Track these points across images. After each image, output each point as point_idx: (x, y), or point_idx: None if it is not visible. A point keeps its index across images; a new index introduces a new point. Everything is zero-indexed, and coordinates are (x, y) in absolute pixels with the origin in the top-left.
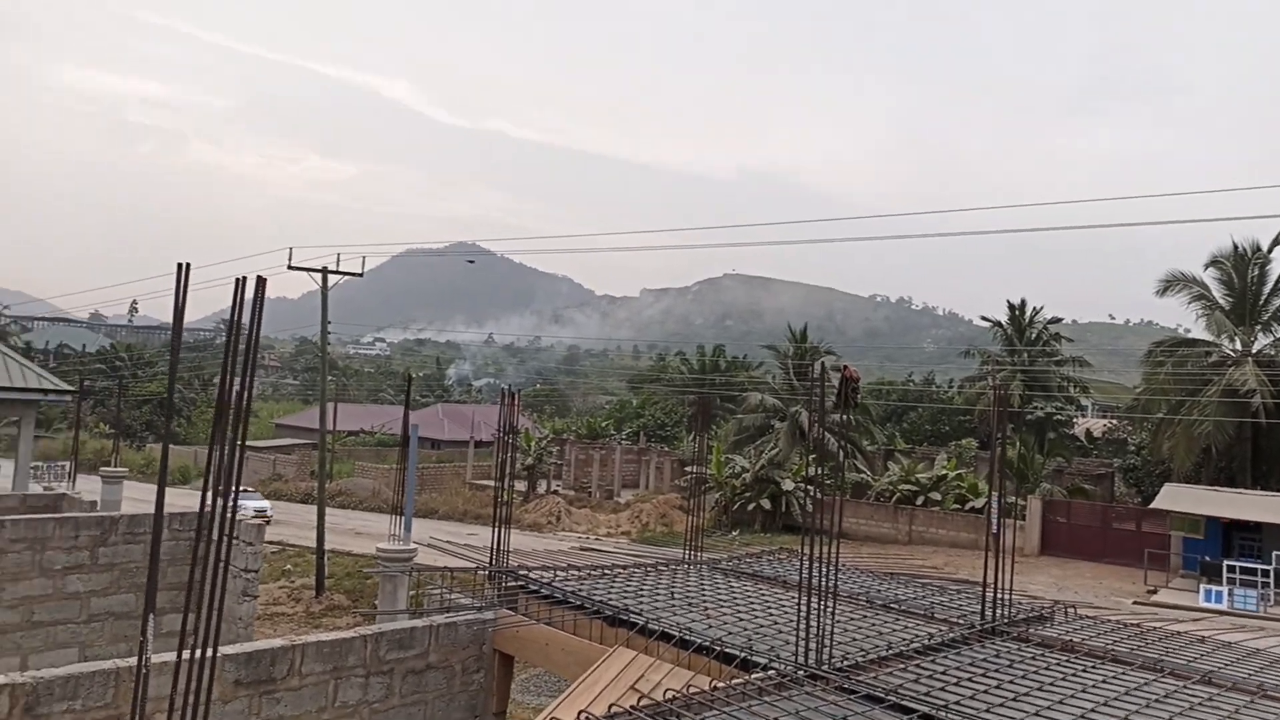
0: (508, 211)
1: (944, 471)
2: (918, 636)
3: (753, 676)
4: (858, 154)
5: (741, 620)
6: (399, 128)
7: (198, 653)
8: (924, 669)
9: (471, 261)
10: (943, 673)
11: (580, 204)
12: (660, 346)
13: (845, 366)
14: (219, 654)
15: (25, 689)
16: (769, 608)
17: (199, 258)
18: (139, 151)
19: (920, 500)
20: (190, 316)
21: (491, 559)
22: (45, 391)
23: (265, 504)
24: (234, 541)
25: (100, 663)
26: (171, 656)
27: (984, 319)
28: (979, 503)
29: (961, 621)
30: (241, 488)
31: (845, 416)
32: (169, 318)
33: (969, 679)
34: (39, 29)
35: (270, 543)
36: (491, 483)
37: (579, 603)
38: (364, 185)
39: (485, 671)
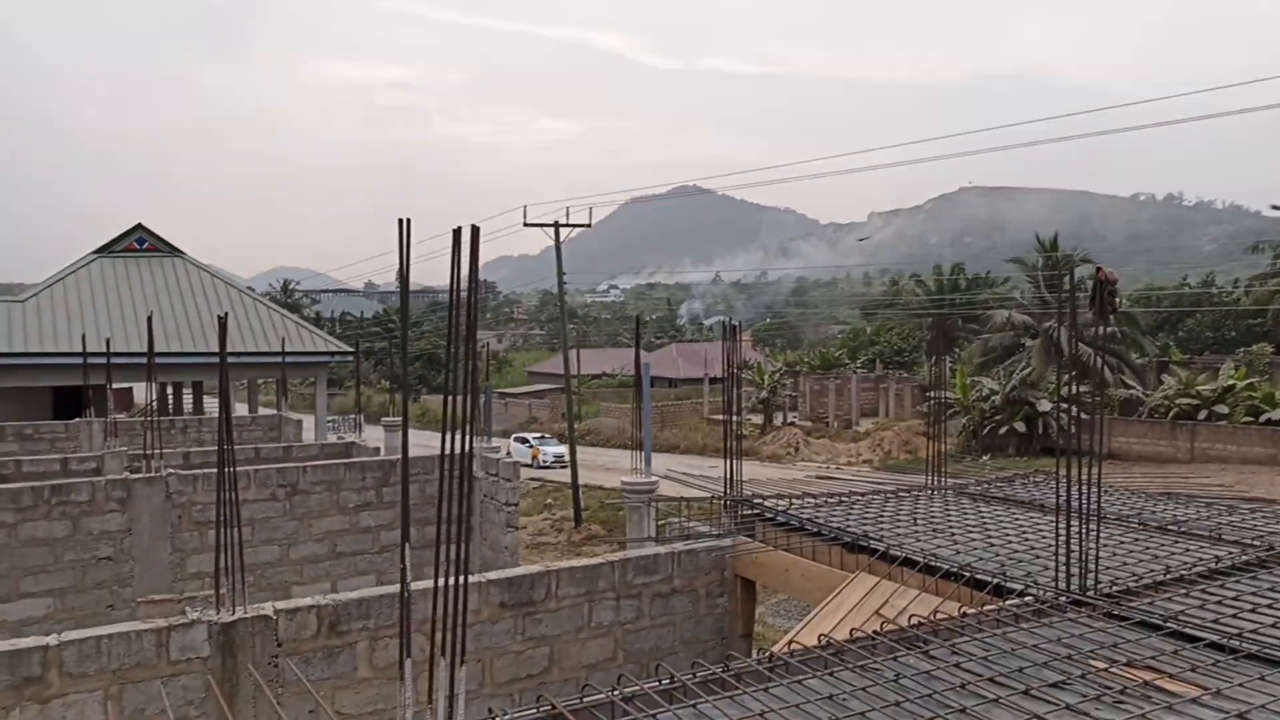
0: (728, 149)
1: (1231, 382)
2: (1201, 560)
3: (1007, 603)
4: (1116, 37)
5: (993, 545)
6: (617, 79)
7: (453, 579)
8: (1210, 594)
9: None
10: (1234, 599)
11: (800, 133)
12: (893, 270)
13: (1099, 269)
14: (486, 579)
15: (328, 610)
16: (1024, 533)
17: (449, 223)
18: (391, 131)
19: (1203, 415)
20: (443, 279)
21: (726, 488)
22: (333, 354)
23: (563, 449)
24: (495, 478)
25: (386, 587)
26: (440, 582)
27: (1275, 208)
28: (1277, 414)
29: (1258, 543)
30: (544, 436)
31: (1103, 327)
32: (429, 280)
33: (1268, 605)
34: (299, 28)
35: (531, 479)
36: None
37: (817, 529)
38: (589, 139)
39: (729, 596)
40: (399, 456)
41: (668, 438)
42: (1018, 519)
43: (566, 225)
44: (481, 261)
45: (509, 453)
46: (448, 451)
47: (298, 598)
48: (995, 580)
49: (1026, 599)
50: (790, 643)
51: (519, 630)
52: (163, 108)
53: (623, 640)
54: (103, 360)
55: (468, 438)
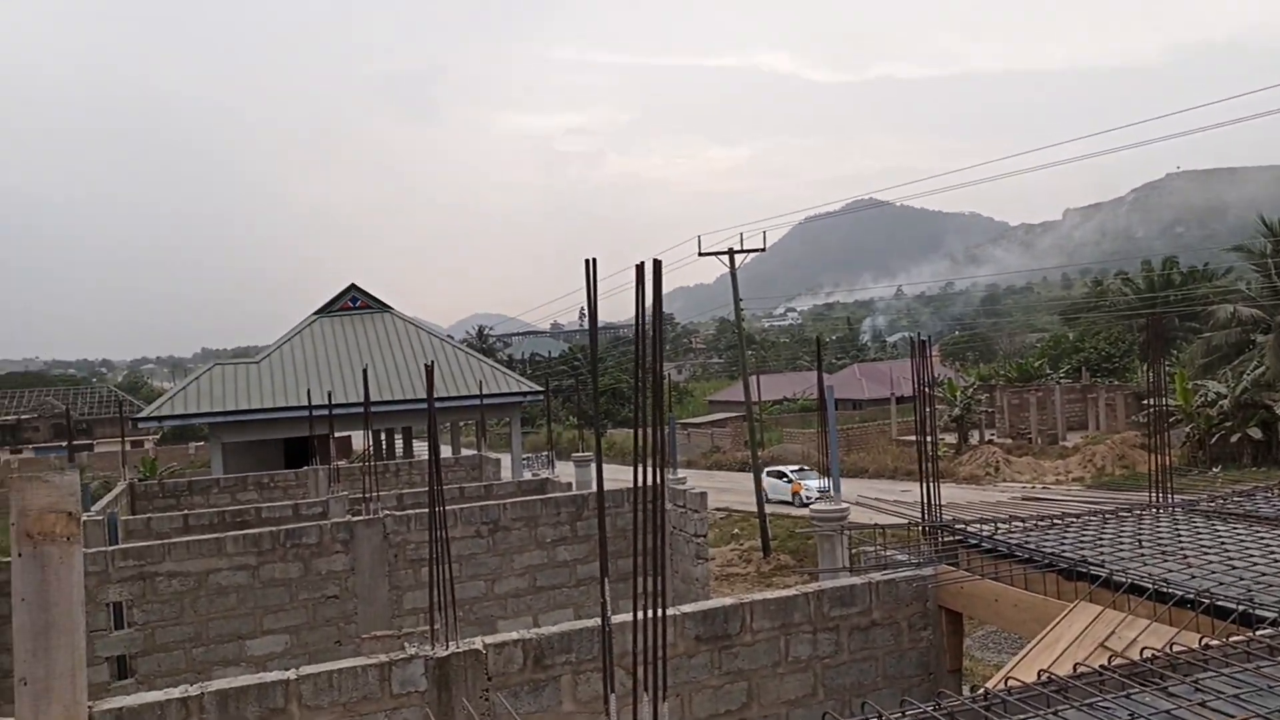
0: (905, 157)
1: None
2: None
3: (1258, 633)
4: None
5: (1235, 569)
6: (785, 99)
7: (653, 612)
8: None
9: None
10: None
11: (982, 133)
12: (1095, 270)
13: None
14: (680, 612)
15: (533, 643)
16: (1271, 553)
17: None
18: (568, 174)
19: None
20: (623, 315)
21: (923, 513)
22: (525, 394)
23: (827, 482)
24: (683, 510)
25: (586, 621)
26: (638, 615)
27: None
28: None
29: None
30: (802, 468)
31: None
32: (611, 317)
33: None
34: (481, 86)
35: (718, 509)
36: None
37: (1027, 555)
38: (759, 163)
39: (933, 628)
40: (591, 491)
41: (855, 461)
42: (1262, 538)
43: (741, 251)
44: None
45: (764, 492)
46: (638, 484)
47: (503, 631)
48: (1241, 607)
49: None
50: (1006, 679)
51: (715, 664)
52: (366, 171)
53: (822, 675)
54: (325, 412)
55: (658, 469)
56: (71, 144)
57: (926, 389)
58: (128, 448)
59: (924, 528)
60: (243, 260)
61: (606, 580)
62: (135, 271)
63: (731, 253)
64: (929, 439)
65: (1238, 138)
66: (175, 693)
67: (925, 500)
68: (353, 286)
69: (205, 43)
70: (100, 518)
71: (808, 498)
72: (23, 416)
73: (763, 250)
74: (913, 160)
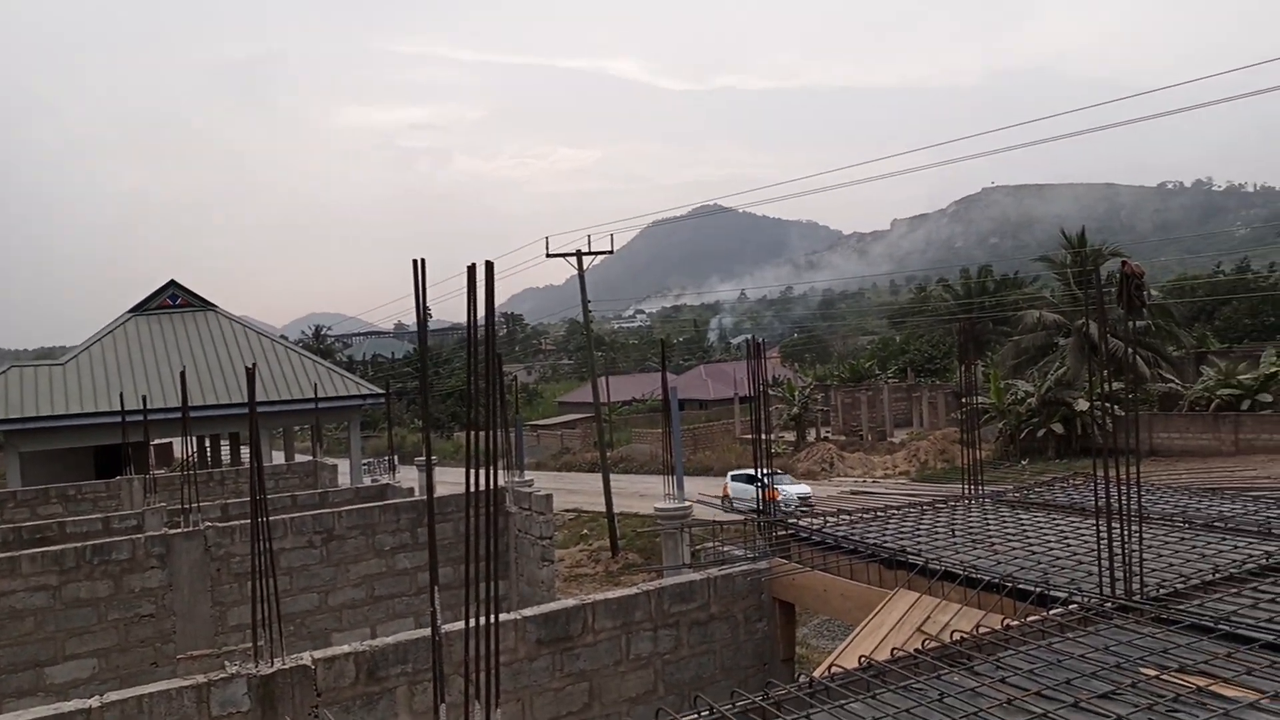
0: (748, 166)
1: (1274, 369)
2: (1252, 557)
3: (1051, 612)
4: (1136, 27)
5: (1034, 554)
6: (632, 105)
7: (486, 619)
8: (1263, 593)
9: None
10: None
11: (819, 144)
12: (920, 277)
13: (1124, 263)
14: (521, 616)
15: (365, 656)
16: (1065, 538)
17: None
18: (415, 172)
19: (1246, 405)
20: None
21: (759, 509)
22: (364, 397)
23: (806, 489)
24: (528, 512)
25: (421, 630)
26: (473, 622)
27: None
28: None
29: None
30: (775, 471)
31: (1135, 321)
32: (457, 317)
33: None
34: (319, 79)
35: (566, 510)
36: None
37: (853, 547)
38: (608, 166)
39: (767, 620)
40: (434, 496)
41: (700, 460)
42: (1058, 524)
43: (589, 253)
44: (508, 294)
45: (726, 496)
46: (473, 488)
47: (338, 645)
48: (1038, 589)
49: (1071, 607)
50: (831, 666)
51: (557, 667)
52: (194, 164)
53: (663, 671)
54: (140, 418)
55: (495, 472)
56: None
57: (764, 389)
58: None
59: (759, 523)
60: (48, 255)
61: (437, 588)
62: None
63: (580, 254)
64: (766, 437)
65: (1044, 158)
66: None
67: (761, 496)
68: (172, 283)
69: (8, 18)
70: None
71: (787, 505)
72: None
73: (610, 253)
74: (754, 169)
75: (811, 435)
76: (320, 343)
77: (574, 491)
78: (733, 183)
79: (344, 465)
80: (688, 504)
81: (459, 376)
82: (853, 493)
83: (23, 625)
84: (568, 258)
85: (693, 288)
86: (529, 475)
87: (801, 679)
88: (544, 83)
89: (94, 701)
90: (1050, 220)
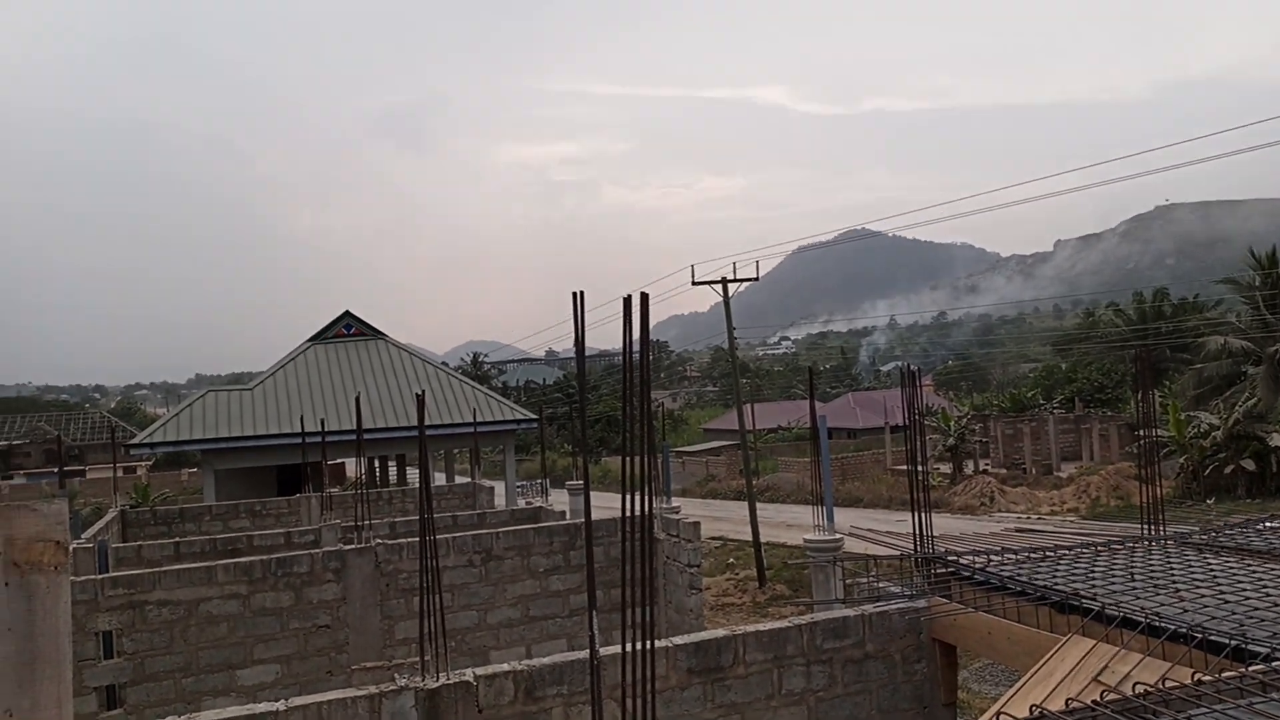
0: (899, 189)
1: None
2: None
3: (1250, 668)
4: None
5: (1227, 603)
6: (778, 131)
7: (640, 645)
8: None
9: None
10: None
11: (976, 165)
12: (1087, 300)
13: None
14: (672, 644)
15: (524, 675)
16: (1264, 587)
17: (621, 287)
18: (565, 204)
19: None
20: (617, 342)
21: (916, 544)
22: (519, 422)
23: None
24: (676, 539)
25: (578, 653)
26: (627, 647)
27: None
28: None
29: None
30: None
31: None
32: (605, 344)
33: None
34: (477, 119)
35: (713, 538)
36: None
37: (1020, 588)
38: (752, 193)
39: (927, 661)
40: (584, 520)
41: (849, 491)
42: (1255, 571)
43: (734, 280)
44: (652, 322)
45: None
46: (628, 513)
47: (496, 663)
48: (1234, 642)
49: (1275, 664)
50: (998, 714)
51: (709, 697)
52: (363, 202)
53: (816, 708)
54: (318, 439)
55: (647, 498)
56: (71, 171)
57: (918, 418)
58: (120, 474)
59: (916, 559)
60: (238, 287)
61: (595, 612)
62: (131, 298)
63: (725, 281)
64: (921, 469)
65: (1229, 170)
66: None
67: (918, 531)
68: (347, 314)
69: (206, 73)
70: (91, 545)
71: None
72: (14, 442)
73: (755, 280)
74: (905, 192)
75: (969, 468)
76: (477, 369)
77: (720, 519)
78: (882, 206)
79: (500, 487)
80: (838, 536)
81: (607, 402)
82: (1017, 530)
83: (218, 630)
84: (713, 285)
85: (841, 314)
86: (675, 502)
87: None
88: (688, 113)
89: (280, 705)
90: (1236, 239)
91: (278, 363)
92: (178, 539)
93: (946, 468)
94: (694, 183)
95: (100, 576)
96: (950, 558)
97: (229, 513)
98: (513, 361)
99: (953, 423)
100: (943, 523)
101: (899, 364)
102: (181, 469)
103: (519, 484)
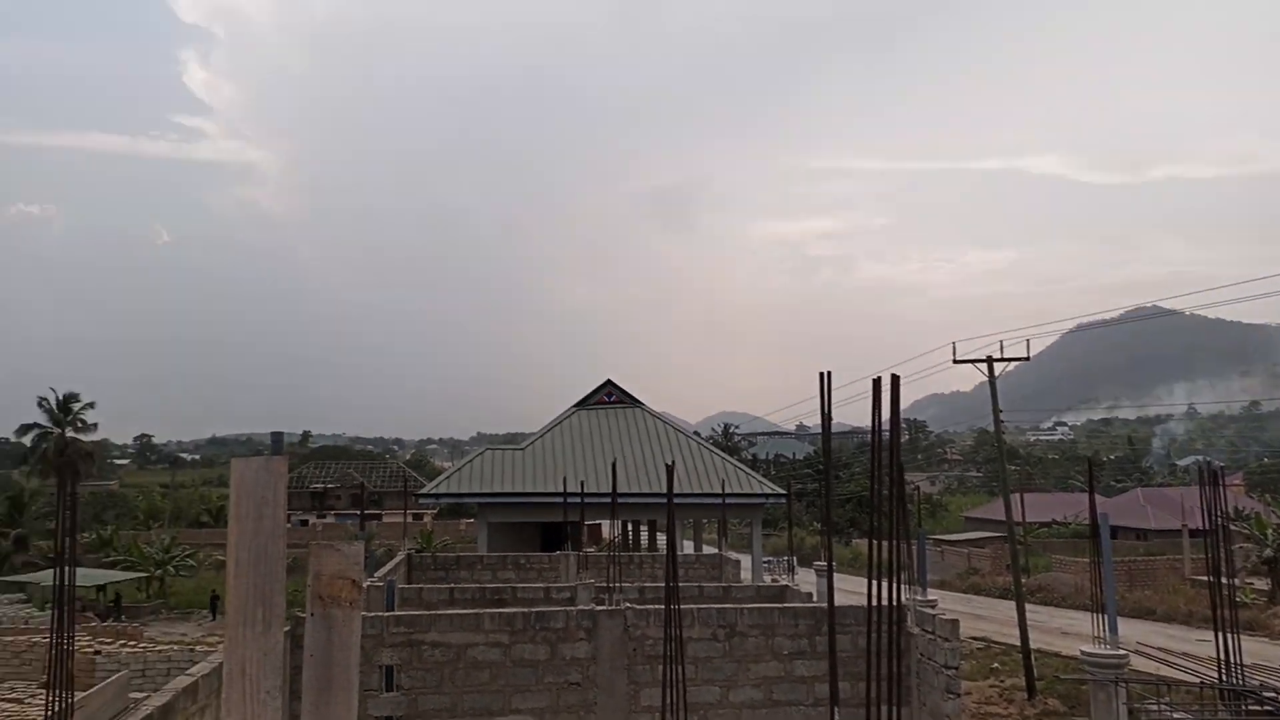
0: (1196, 263)
1: None
2: None
3: None
4: None
5: None
6: (1052, 202)
7: None
8: None
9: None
10: None
11: None
12: None
13: None
14: None
15: None
16: None
17: (876, 363)
18: (819, 280)
19: None
20: (867, 419)
21: (1220, 673)
22: (767, 496)
23: None
24: (931, 636)
25: None
26: None
27: None
28: None
29: None
30: None
31: None
32: (858, 420)
33: None
34: (737, 197)
35: (974, 639)
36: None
37: None
38: (1022, 268)
39: None
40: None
41: (1138, 600)
42: None
43: (1001, 360)
44: (910, 399)
45: None
46: (877, 602)
47: None
48: None
49: None
50: None
51: None
52: (627, 277)
53: None
54: (578, 500)
55: (899, 587)
56: (383, 256)
57: (1222, 523)
58: (409, 520)
59: (1221, 689)
60: (518, 354)
61: (838, 709)
62: (426, 362)
63: (990, 360)
64: (1227, 582)
65: None
66: None
67: (1223, 656)
68: (609, 382)
69: (502, 166)
70: (381, 584)
71: None
72: (328, 485)
73: (1026, 359)
74: (1205, 267)
75: None
76: (728, 440)
77: (982, 618)
78: (1176, 283)
79: (746, 560)
80: (1123, 652)
81: (859, 481)
82: None
83: (481, 675)
84: (977, 364)
85: (1128, 399)
86: (931, 594)
87: None
88: (953, 185)
89: None
90: None
91: (547, 425)
92: (452, 585)
93: (1264, 584)
94: (957, 256)
95: (386, 614)
96: (1267, 694)
97: (498, 563)
98: (763, 434)
99: (1269, 531)
100: (1258, 648)
101: (1199, 458)
102: (460, 518)
103: (765, 560)
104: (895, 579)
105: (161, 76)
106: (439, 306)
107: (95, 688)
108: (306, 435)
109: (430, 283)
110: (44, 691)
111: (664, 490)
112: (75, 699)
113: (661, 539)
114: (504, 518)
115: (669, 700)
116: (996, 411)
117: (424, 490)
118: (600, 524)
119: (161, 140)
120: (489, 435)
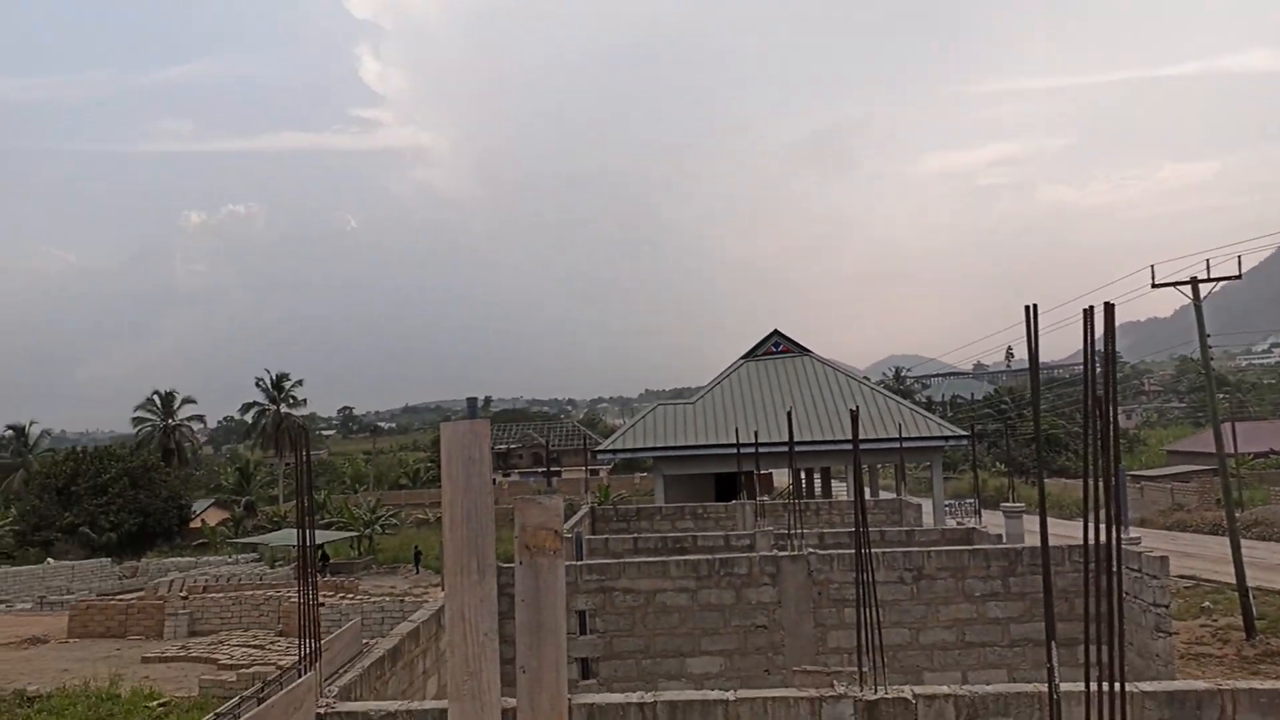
0: None
1: None
2: None
3: None
4: None
5: None
6: (1259, 103)
7: (1107, 685)
8: None
9: None
10: None
11: None
12: None
13: None
14: (1137, 689)
15: (965, 700)
16: None
17: (1058, 295)
18: (993, 211)
19: None
20: (1059, 354)
21: None
22: (947, 438)
23: None
24: (1138, 574)
25: (1025, 685)
26: (1082, 686)
27: None
28: None
29: None
30: None
31: None
32: (1044, 356)
33: None
34: (899, 134)
35: (1181, 577)
36: None
37: None
38: (1228, 179)
39: None
40: (1023, 545)
41: None
42: None
43: (1207, 280)
44: (1083, 333)
45: None
46: (1087, 541)
47: (929, 684)
48: None
49: None
50: None
51: None
52: (787, 225)
53: None
54: (751, 450)
55: (1115, 528)
56: (550, 225)
57: None
58: (588, 475)
59: None
60: (681, 311)
61: (1054, 643)
62: (593, 326)
63: (1195, 281)
64: None
65: None
66: (634, 697)
67: None
68: (775, 332)
69: (648, 125)
70: (570, 535)
71: None
72: (510, 446)
73: (1237, 277)
74: None
75: None
76: (900, 384)
77: (1190, 555)
78: None
79: (926, 505)
80: None
81: (1046, 419)
82: None
83: (670, 619)
84: (1179, 286)
85: None
86: (1134, 532)
87: None
88: (1141, 96)
89: (730, 695)
90: None
91: (715, 378)
92: (635, 535)
93: None
94: (1151, 173)
95: (579, 563)
96: None
97: (676, 514)
98: (937, 376)
99: None
100: None
101: None
102: (635, 473)
103: (946, 503)
104: (1115, 515)
105: (341, 73)
106: (602, 269)
107: (335, 634)
108: (488, 400)
109: (592, 244)
110: (280, 639)
111: (837, 437)
112: (321, 644)
113: (836, 486)
114: (679, 470)
115: (862, 641)
116: (1203, 335)
117: (602, 447)
118: (771, 473)
119: (344, 133)
120: (656, 392)
